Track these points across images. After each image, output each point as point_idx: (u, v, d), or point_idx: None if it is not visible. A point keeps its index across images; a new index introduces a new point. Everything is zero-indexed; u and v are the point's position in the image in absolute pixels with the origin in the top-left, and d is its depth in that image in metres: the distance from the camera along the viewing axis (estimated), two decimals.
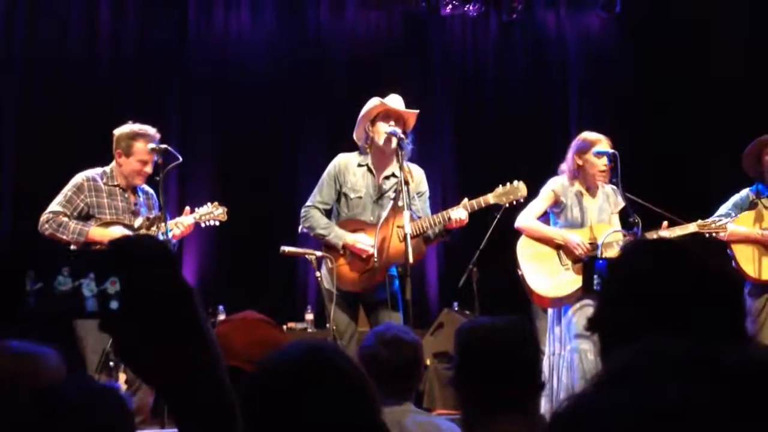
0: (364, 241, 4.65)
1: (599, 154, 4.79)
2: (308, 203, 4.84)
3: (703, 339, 1.19)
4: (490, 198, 4.70)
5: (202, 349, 0.96)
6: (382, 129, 4.67)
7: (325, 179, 4.83)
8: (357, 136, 4.86)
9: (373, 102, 4.75)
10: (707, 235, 4.87)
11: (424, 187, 4.84)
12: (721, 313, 1.26)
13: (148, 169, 4.79)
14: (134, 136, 4.77)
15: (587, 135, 4.92)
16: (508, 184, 4.76)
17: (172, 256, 0.96)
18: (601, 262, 1.75)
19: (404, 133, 4.67)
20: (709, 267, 1.32)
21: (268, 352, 1.52)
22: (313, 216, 4.78)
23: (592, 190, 4.92)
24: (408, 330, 2.81)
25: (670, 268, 1.33)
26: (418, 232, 4.56)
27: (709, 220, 4.97)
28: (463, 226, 4.64)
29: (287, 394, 1.37)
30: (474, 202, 4.66)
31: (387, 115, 4.71)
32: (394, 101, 4.78)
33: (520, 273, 4.88)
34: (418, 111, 4.80)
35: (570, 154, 4.94)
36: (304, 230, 4.87)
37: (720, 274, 1.31)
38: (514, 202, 4.75)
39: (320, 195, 4.81)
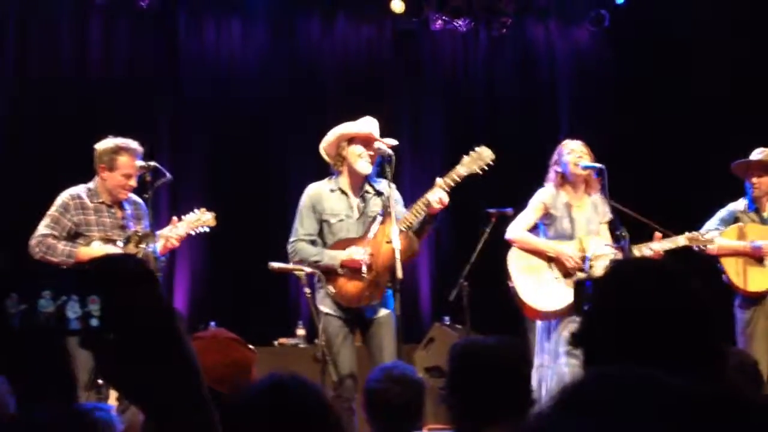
0: (358, 252, 4.55)
1: (587, 168, 4.82)
2: (292, 238, 4.73)
3: (679, 360, 1.22)
4: (461, 169, 4.62)
5: (181, 366, 0.97)
6: (358, 152, 4.62)
7: (303, 211, 4.73)
8: (327, 151, 4.77)
9: (359, 127, 4.68)
10: (696, 248, 4.89)
11: (398, 194, 4.78)
12: (699, 335, 1.28)
13: (133, 182, 4.76)
14: (117, 150, 4.74)
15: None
16: (471, 152, 4.70)
17: (151, 274, 0.98)
18: (589, 283, 1.79)
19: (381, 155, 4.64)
20: (690, 290, 1.35)
21: (239, 373, 1.57)
22: (302, 248, 4.68)
23: (579, 197, 4.94)
24: (414, 369, 2.83)
25: (651, 290, 1.36)
26: (405, 227, 4.51)
27: (697, 232, 5.00)
28: (446, 207, 4.55)
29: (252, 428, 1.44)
30: (447, 178, 4.58)
31: (367, 141, 4.64)
32: (371, 126, 4.71)
33: (511, 285, 4.88)
34: (396, 142, 4.74)
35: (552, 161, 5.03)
36: (296, 264, 4.73)
37: (701, 296, 1.34)
38: (485, 168, 4.65)
39: (302, 228, 4.71)
